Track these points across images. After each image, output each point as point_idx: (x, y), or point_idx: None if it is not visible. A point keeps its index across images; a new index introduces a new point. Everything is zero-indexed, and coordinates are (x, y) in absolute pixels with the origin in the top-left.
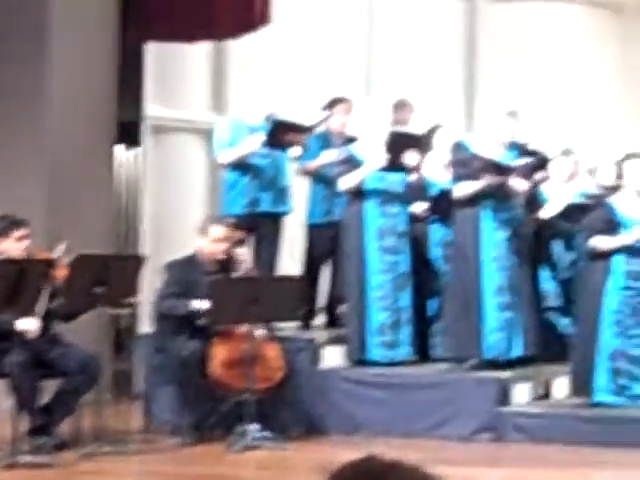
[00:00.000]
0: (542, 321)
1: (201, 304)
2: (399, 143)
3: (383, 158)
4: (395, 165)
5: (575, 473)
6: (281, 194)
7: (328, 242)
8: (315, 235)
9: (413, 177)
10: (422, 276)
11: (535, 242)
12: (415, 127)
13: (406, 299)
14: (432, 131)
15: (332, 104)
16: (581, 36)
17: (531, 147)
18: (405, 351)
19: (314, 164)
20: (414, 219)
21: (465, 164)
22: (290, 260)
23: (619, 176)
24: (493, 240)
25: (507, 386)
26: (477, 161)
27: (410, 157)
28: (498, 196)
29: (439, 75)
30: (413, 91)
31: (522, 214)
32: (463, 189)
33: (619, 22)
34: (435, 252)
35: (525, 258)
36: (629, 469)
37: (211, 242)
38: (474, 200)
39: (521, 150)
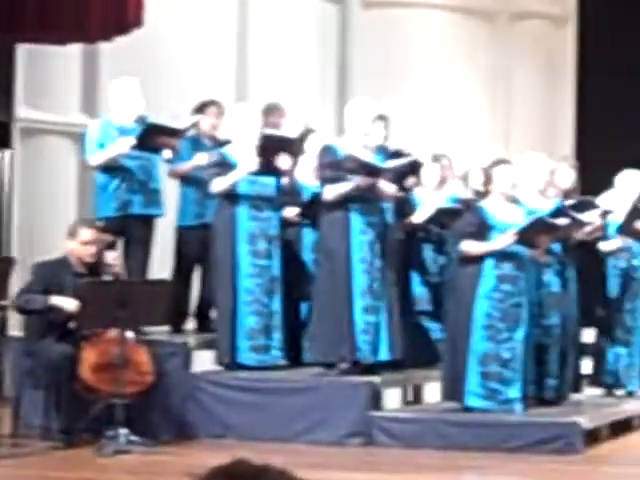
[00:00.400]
0: (413, 326)
1: (62, 301)
2: (271, 147)
3: (255, 162)
4: (267, 169)
5: (445, 477)
6: (153, 196)
7: (199, 245)
8: (186, 238)
9: (285, 181)
10: (294, 280)
11: (406, 246)
12: (287, 131)
13: (277, 303)
14: (304, 135)
15: (202, 107)
16: (452, 42)
17: (402, 151)
18: (276, 355)
19: (185, 167)
20: (286, 223)
21: (333, 167)
22: (161, 263)
23: (488, 181)
24: (360, 242)
25: (378, 391)
26: (348, 162)
27: (282, 161)
28: (366, 199)
29: (311, 79)
30: (286, 95)
31: (391, 218)
32: (333, 191)
33: (490, 29)
34: (307, 256)
35: (392, 262)
36: (499, 473)
37: (80, 245)
38: (342, 203)
39: (391, 155)
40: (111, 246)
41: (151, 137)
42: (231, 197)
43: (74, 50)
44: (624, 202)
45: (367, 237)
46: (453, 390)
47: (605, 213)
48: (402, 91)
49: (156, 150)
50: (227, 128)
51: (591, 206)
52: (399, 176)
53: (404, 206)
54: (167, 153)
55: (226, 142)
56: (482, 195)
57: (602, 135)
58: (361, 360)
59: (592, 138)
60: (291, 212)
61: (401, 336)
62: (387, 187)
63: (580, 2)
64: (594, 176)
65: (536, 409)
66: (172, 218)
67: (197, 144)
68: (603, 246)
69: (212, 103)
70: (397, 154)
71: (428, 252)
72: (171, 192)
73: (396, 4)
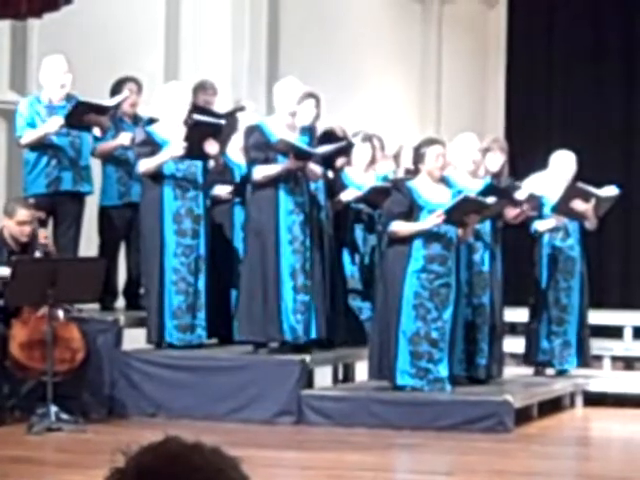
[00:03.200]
0: (344, 305)
1: None
2: (199, 132)
3: (182, 147)
4: (194, 154)
5: (375, 455)
6: (82, 173)
7: (124, 224)
8: (110, 217)
9: (212, 164)
10: (225, 260)
11: (336, 226)
12: (218, 111)
13: (202, 282)
14: (233, 116)
15: (119, 84)
16: (383, 23)
17: (332, 131)
18: (200, 334)
19: (108, 146)
20: (217, 201)
21: (262, 148)
22: (89, 241)
23: (418, 160)
24: (289, 222)
25: (309, 369)
26: (278, 145)
27: (210, 146)
28: (296, 179)
29: (242, 57)
30: (216, 73)
31: (322, 197)
32: (261, 172)
33: (421, 10)
34: (238, 235)
35: (323, 241)
36: (429, 451)
37: (16, 224)
38: (271, 183)
39: (320, 135)
40: (42, 223)
41: (80, 115)
42: (157, 177)
43: (2, 26)
44: (558, 182)
45: (296, 217)
46: (383, 369)
47: (533, 196)
48: (332, 72)
49: (86, 128)
50: (157, 106)
51: (514, 189)
52: (329, 156)
53: (334, 186)
54: (97, 131)
55: (149, 120)
56: (413, 174)
57: (532, 117)
58: (293, 340)
59: (522, 120)
60: (222, 190)
61: (330, 315)
62: (315, 168)
63: None
64: (524, 158)
65: (466, 388)
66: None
67: (118, 122)
68: (538, 225)
69: (130, 80)
70: (328, 135)
71: (359, 232)
72: (95, 171)
73: None
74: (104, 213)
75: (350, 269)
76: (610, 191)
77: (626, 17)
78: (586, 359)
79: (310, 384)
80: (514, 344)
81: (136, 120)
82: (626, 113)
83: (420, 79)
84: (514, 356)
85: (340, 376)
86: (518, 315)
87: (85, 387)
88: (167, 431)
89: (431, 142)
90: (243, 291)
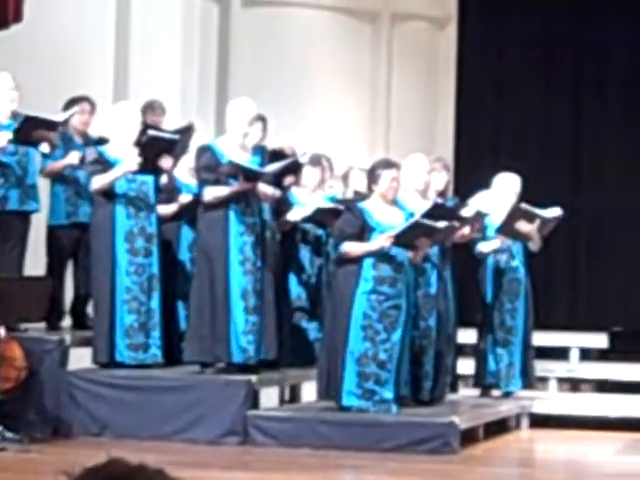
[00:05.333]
0: (291, 326)
1: None
2: (154, 147)
3: (136, 162)
4: (148, 169)
5: (320, 477)
6: (29, 192)
7: (71, 243)
8: (58, 236)
9: (164, 180)
10: (172, 279)
11: (283, 247)
12: (168, 129)
13: (156, 302)
14: (185, 133)
15: (72, 102)
16: (333, 43)
17: (282, 151)
18: (154, 354)
19: (57, 165)
20: (164, 221)
21: (212, 169)
22: (35, 260)
23: (372, 182)
24: (240, 243)
25: (255, 390)
26: (228, 167)
27: (164, 161)
28: (246, 199)
29: (191, 77)
30: (166, 93)
31: (270, 218)
32: (213, 193)
33: (371, 30)
34: (185, 255)
35: (271, 262)
36: (374, 473)
37: None
38: (222, 203)
39: (270, 155)
40: None
41: (29, 130)
42: (109, 196)
43: None
44: (501, 203)
45: (247, 238)
46: (330, 389)
47: (481, 214)
48: (282, 92)
49: (34, 144)
50: (106, 126)
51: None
52: (277, 175)
53: (282, 205)
54: (45, 147)
55: (99, 139)
56: (362, 196)
57: (481, 138)
58: (243, 361)
59: (471, 141)
60: (170, 210)
61: (277, 336)
62: (266, 189)
63: (460, 4)
64: (472, 178)
65: (412, 409)
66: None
67: (67, 141)
68: (482, 247)
69: (83, 99)
70: (277, 154)
71: (305, 253)
72: (43, 190)
73: (276, 3)
74: (52, 232)
75: (297, 290)
76: (554, 212)
77: (575, 42)
78: (531, 381)
79: (256, 405)
80: (463, 365)
81: (86, 140)
82: (573, 136)
83: (370, 100)
84: (463, 377)
85: (286, 397)
86: (466, 336)
87: (30, 406)
88: (112, 452)
89: (386, 165)
90: (192, 311)
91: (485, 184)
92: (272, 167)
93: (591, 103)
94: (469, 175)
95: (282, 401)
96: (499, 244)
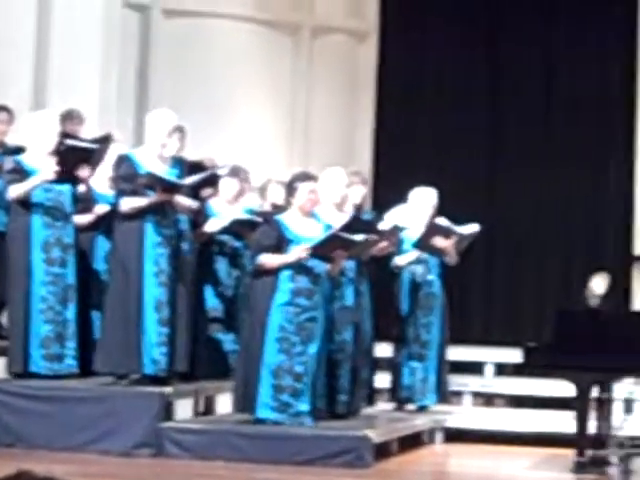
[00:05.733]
0: (206, 338)
1: None
2: (72, 156)
3: (53, 170)
4: (65, 178)
5: None
6: None
7: None
8: None
9: (81, 189)
10: (87, 289)
11: (200, 258)
12: (88, 140)
13: (72, 312)
14: (103, 143)
15: None
16: (253, 55)
17: (201, 163)
18: (70, 364)
19: None
20: (81, 231)
21: (130, 180)
22: None
23: (290, 194)
24: (155, 255)
25: (169, 402)
26: (145, 178)
27: (82, 170)
28: (163, 211)
29: (110, 87)
30: (84, 102)
31: (186, 230)
32: (129, 204)
33: (292, 43)
34: (101, 265)
35: (187, 274)
36: None
37: None
38: (138, 214)
39: (189, 166)
40: None
41: None
42: (26, 205)
43: None
44: (418, 218)
45: (163, 250)
46: (245, 402)
47: (398, 228)
48: (202, 103)
49: None
50: (24, 135)
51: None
52: (195, 186)
53: (199, 216)
54: None
55: (17, 148)
56: (280, 208)
57: (401, 151)
58: (155, 372)
59: (391, 154)
60: (86, 220)
61: (192, 348)
62: (184, 201)
63: (381, 17)
64: (391, 192)
65: (327, 423)
66: None
67: None
68: (398, 260)
69: (1, 108)
70: (196, 166)
71: (222, 264)
72: None
73: (196, 14)
74: None
75: (213, 301)
76: (471, 228)
77: (494, 55)
78: (445, 395)
79: (170, 417)
80: (379, 379)
81: (4, 148)
82: (490, 151)
83: (289, 112)
84: (380, 391)
85: (201, 409)
86: (382, 350)
87: None
88: (24, 463)
89: (304, 177)
90: (105, 322)
91: (404, 198)
92: (191, 179)
93: (509, 117)
94: (387, 189)
95: (196, 413)
96: (415, 255)
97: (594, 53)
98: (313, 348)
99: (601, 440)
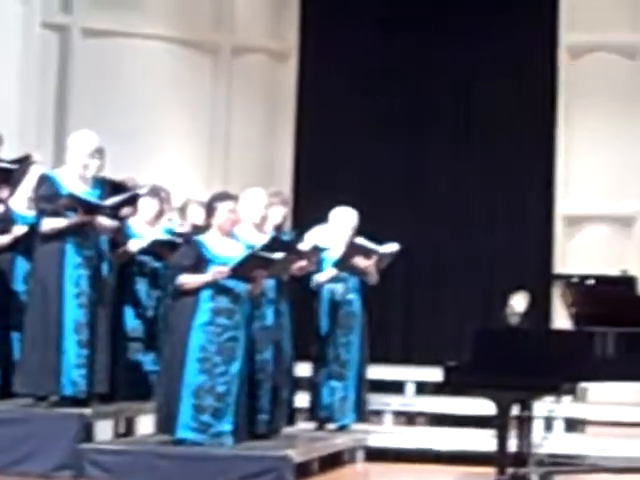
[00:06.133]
0: (126, 359)
1: None
2: None
3: None
4: None
5: None
6: None
7: None
8: None
9: (0, 210)
10: (6, 310)
11: (119, 279)
12: (5, 159)
13: None
14: (23, 163)
15: None
16: (173, 75)
17: (122, 184)
18: None
19: None
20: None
21: (51, 200)
22: None
23: (209, 214)
24: (75, 276)
25: (89, 423)
26: (66, 199)
27: (2, 189)
28: (83, 232)
29: (29, 107)
30: (2, 123)
31: (106, 251)
32: (50, 224)
33: (212, 63)
34: (20, 286)
35: (107, 295)
36: None
37: None
38: (58, 235)
39: (111, 186)
40: None
41: None
42: None
43: None
44: (338, 238)
45: (84, 271)
46: (166, 423)
47: (318, 248)
48: (121, 122)
49: None
50: None
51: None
52: (115, 206)
53: (118, 236)
54: None
55: None
56: (200, 228)
57: (321, 172)
58: (74, 394)
59: (311, 175)
60: (2, 240)
61: (111, 369)
62: (105, 221)
63: (301, 37)
64: (311, 212)
65: (248, 443)
66: None
67: None
68: (318, 277)
69: None
70: (117, 186)
71: (142, 285)
72: None
73: (116, 34)
74: None
75: (133, 322)
76: (391, 247)
77: (414, 77)
78: (364, 414)
79: (90, 438)
80: (299, 399)
81: None
82: (411, 171)
83: (209, 132)
84: (300, 411)
85: (122, 430)
86: (302, 370)
87: None
88: None
89: (224, 197)
90: (25, 343)
91: (324, 218)
92: (112, 200)
93: (429, 137)
94: (308, 209)
95: (117, 435)
96: (335, 272)
97: (513, 71)
98: (235, 368)
99: (521, 458)
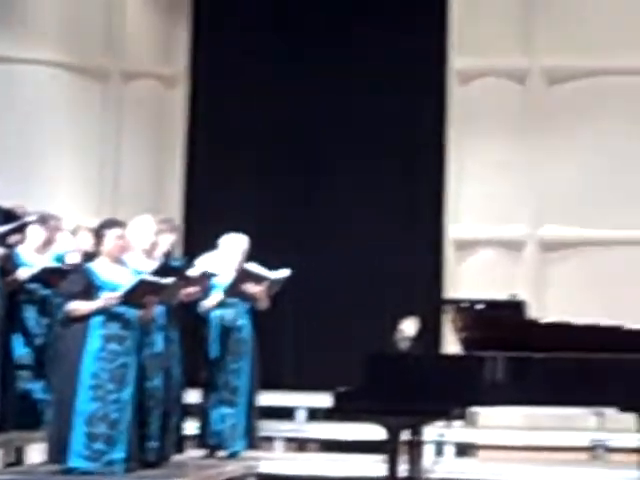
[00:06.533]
0: (16, 388)
1: None
2: None
3: None
4: None
5: None
6: None
7: None
8: None
9: None
10: None
11: (8, 307)
12: None
13: None
14: None
15: None
16: (62, 101)
17: (10, 211)
18: None
19: None
20: None
21: None
22: None
23: (98, 242)
24: None
25: None
26: None
27: None
28: None
29: None
30: None
31: None
32: None
33: (102, 88)
34: None
35: None
36: None
37: None
38: None
39: (0, 214)
40: None
41: None
42: None
43: None
44: (228, 263)
45: None
46: (58, 451)
47: (207, 274)
48: (9, 150)
49: None
50: None
51: (188, 268)
52: (3, 234)
53: (7, 264)
54: None
55: None
56: (89, 256)
57: (212, 199)
58: None
59: (201, 202)
60: None
61: (0, 398)
62: None
63: (191, 62)
64: (202, 239)
65: (139, 472)
66: None
67: None
68: (206, 303)
69: None
70: (7, 214)
71: (31, 313)
72: None
73: (3, 59)
74: None
75: (22, 350)
76: (281, 273)
77: (306, 102)
78: (254, 441)
79: None
80: (189, 426)
81: None
82: (300, 200)
83: (98, 159)
84: (189, 438)
85: (11, 459)
86: (192, 396)
87: None
88: None
89: (112, 224)
90: None
91: (214, 243)
92: (1, 229)
93: (319, 163)
94: (199, 236)
95: (6, 464)
96: (222, 297)
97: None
98: (127, 394)
99: None
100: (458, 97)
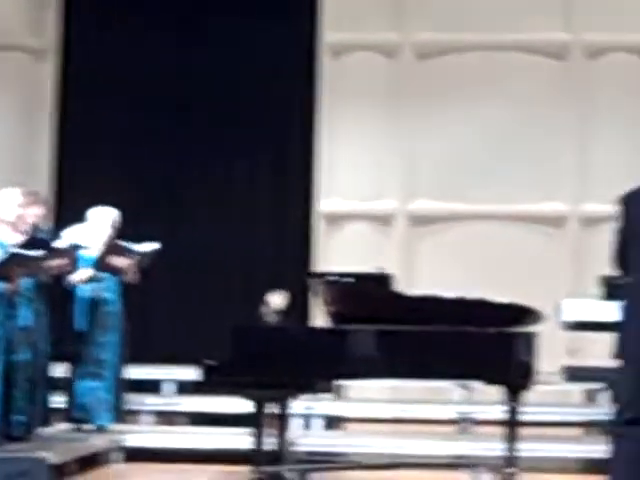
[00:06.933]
0: None
1: None
2: None
3: None
4: None
5: None
6: None
7: None
8: None
9: None
10: None
11: None
12: None
13: None
14: None
15: None
16: None
17: None
18: None
19: None
20: None
21: None
22: None
23: None
24: None
25: None
26: None
27: None
28: None
29: None
30: None
31: None
32: None
33: None
34: None
35: None
36: None
37: None
38: None
39: None
40: None
41: None
42: None
43: None
44: (96, 236)
45: None
46: None
47: (75, 247)
48: None
49: None
50: None
51: (55, 240)
52: None
53: None
54: None
55: None
56: None
57: (83, 171)
58: None
59: (72, 174)
60: None
61: None
62: None
63: (63, 35)
64: (72, 211)
65: (3, 446)
66: None
67: None
68: (74, 277)
69: None
70: None
71: None
72: None
73: None
74: None
75: None
76: (151, 246)
77: (181, 76)
78: (121, 415)
79: None
80: (55, 399)
81: None
82: (173, 175)
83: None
84: (56, 411)
85: None
86: (59, 370)
87: None
88: None
89: None
90: None
91: (85, 215)
92: None
93: (190, 139)
94: (69, 209)
95: None
96: (90, 274)
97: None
98: None
99: (278, 456)
100: (329, 72)
